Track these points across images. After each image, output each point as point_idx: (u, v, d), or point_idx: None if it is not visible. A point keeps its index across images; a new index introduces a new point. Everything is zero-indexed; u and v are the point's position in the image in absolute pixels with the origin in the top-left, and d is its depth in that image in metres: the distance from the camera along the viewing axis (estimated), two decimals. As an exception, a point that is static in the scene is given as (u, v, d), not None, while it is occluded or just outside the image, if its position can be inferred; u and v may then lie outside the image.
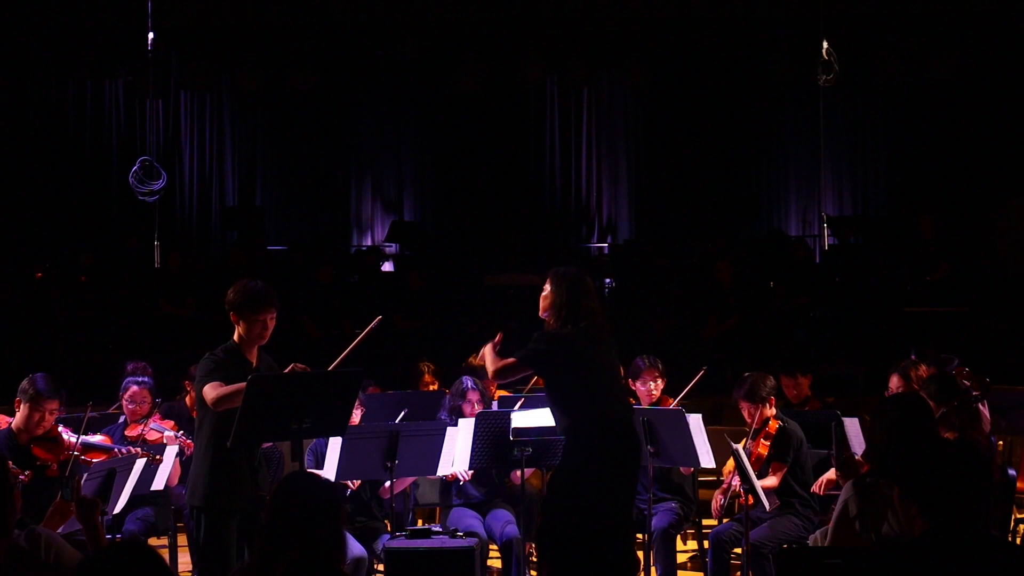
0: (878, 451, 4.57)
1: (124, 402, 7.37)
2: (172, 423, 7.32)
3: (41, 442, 6.28)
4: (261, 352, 5.74)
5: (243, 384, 5.28)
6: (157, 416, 7.31)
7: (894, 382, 6.71)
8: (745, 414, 6.91)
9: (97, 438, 6.72)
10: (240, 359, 5.61)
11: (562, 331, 5.82)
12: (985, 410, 6.23)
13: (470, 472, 6.95)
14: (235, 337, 5.65)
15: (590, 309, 5.84)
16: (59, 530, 4.56)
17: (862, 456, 5.51)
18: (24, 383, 6.29)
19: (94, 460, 6.37)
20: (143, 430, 7.12)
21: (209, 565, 5.56)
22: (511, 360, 5.85)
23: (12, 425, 6.31)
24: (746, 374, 7.01)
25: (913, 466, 3.57)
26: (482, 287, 12.82)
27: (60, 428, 6.40)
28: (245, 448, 5.49)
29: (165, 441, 6.98)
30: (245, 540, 5.55)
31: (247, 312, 5.59)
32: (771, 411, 6.84)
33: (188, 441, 6.99)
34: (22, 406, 6.26)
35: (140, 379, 7.45)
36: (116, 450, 6.53)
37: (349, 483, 6.72)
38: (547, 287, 5.92)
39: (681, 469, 7.13)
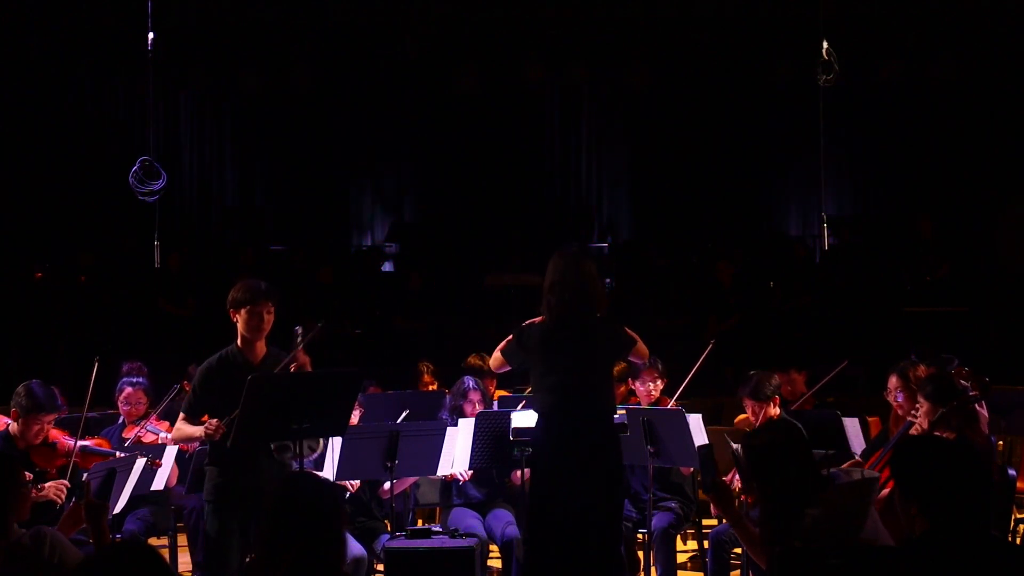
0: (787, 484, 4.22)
1: (120, 403, 7.37)
2: (168, 424, 7.31)
3: (39, 448, 6.26)
4: (269, 346, 5.77)
5: (199, 429, 5.57)
6: (153, 417, 7.31)
7: (893, 382, 6.72)
8: (749, 412, 6.92)
9: (95, 443, 6.68)
10: (239, 361, 5.64)
11: (527, 327, 5.92)
12: (983, 410, 6.23)
13: (469, 472, 6.96)
14: (238, 341, 5.71)
15: (578, 292, 5.81)
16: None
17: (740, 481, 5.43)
18: (20, 393, 6.21)
19: (92, 465, 6.35)
20: (139, 432, 7.11)
21: (209, 558, 5.62)
22: (498, 358, 6.09)
23: (10, 429, 6.28)
24: (751, 372, 7.03)
25: (913, 466, 3.57)
26: (482, 287, 12.82)
27: (58, 432, 6.38)
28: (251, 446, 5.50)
29: (161, 442, 6.98)
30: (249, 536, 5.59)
31: (242, 305, 5.65)
32: (775, 410, 6.85)
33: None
34: (19, 419, 6.20)
35: (135, 380, 7.44)
36: (114, 455, 6.52)
37: (348, 485, 6.72)
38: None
39: (681, 469, 7.13)
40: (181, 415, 5.75)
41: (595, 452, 5.73)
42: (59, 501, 5.71)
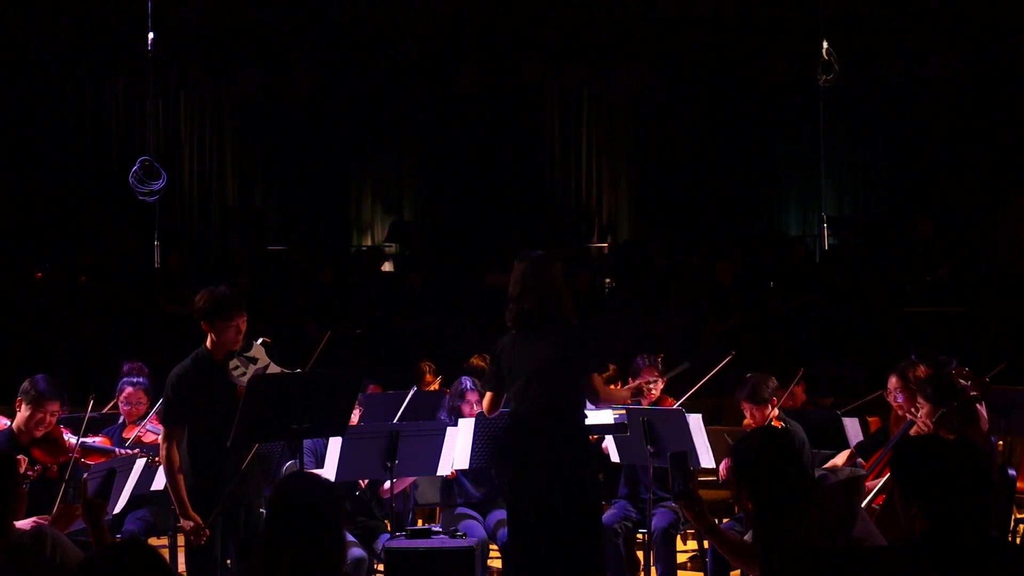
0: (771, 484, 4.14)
1: (120, 403, 7.38)
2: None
3: (42, 444, 6.27)
4: (254, 351, 5.71)
5: (183, 491, 5.40)
6: (153, 417, 7.31)
7: (892, 383, 6.70)
8: (747, 415, 6.90)
9: (97, 440, 6.69)
10: (213, 361, 5.57)
11: (498, 341, 5.91)
12: (983, 410, 6.23)
13: (453, 471, 6.95)
14: (207, 344, 5.61)
15: (540, 300, 5.74)
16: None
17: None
18: (26, 384, 6.27)
19: (94, 462, 6.36)
20: (139, 431, 7.12)
21: (192, 561, 5.61)
22: (488, 394, 6.00)
23: (13, 426, 6.30)
24: (748, 375, 7.00)
25: (913, 466, 3.57)
26: (482, 287, 12.82)
27: (61, 429, 6.40)
28: (219, 451, 5.45)
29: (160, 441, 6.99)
30: (231, 540, 5.58)
31: (218, 319, 5.56)
32: (774, 412, 6.83)
33: None
34: (23, 407, 6.25)
35: (135, 380, 7.45)
36: (115, 452, 6.53)
37: (360, 482, 6.72)
38: None
39: (682, 469, 7.11)
40: (164, 429, 5.60)
41: (555, 456, 5.70)
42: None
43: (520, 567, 5.80)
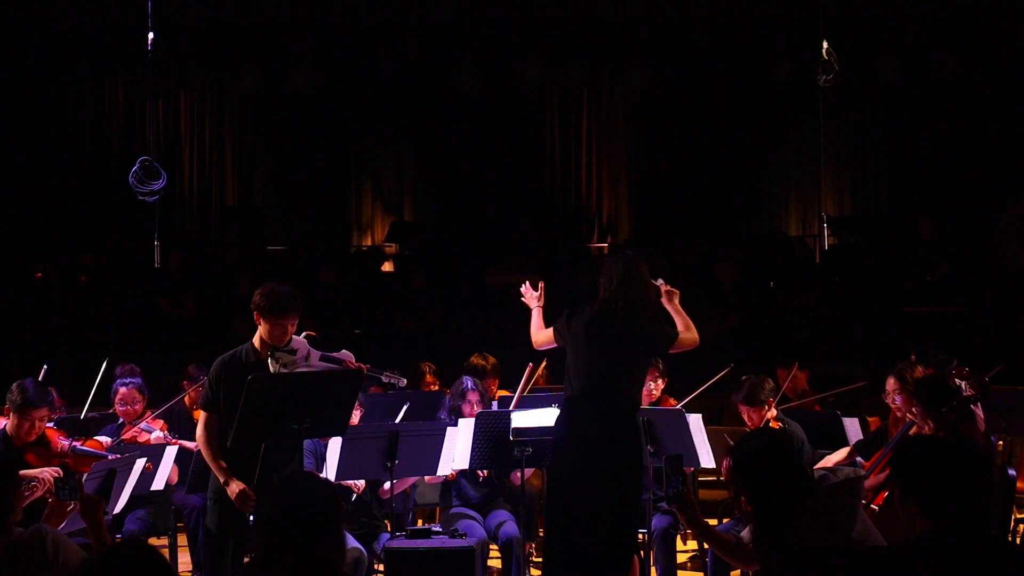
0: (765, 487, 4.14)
1: (116, 404, 7.38)
2: (162, 423, 7.32)
3: (34, 447, 6.25)
4: (294, 343, 5.72)
5: (224, 476, 5.49)
6: (149, 415, 7.31)
7: (890, 384, 6.69)
8: (745, 417, 6.90)
9: (87, 444, 6.64)
10: (251, 359, 5.62)
11: (577, 307, 6.01)
12: (979, 411, 6.22)
13: (453, 472, 6.96)
14: (256, 336, 5.67)
15: (618, 290, 5.90)
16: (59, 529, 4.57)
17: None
18: (12, 391, 6.23)
19: (85, 469, 6.32)
20: (134, 432, 7.11)
21: (208, 553, 5.67)
22: (548, 329, 6.12)
23: (6, 429, 6.29)
24: (743, 377, 7.00)
25: (913, 466, 3.57)
26: (483, 287, 12.82)
27: (53, 431, 6.37)
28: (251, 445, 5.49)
29: (154, 441, 6.99)
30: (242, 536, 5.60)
31: (268, 315, 5.61)
32: (771, 412, 6.83)
33: (177, 441, 7.01)
34: (10, 415, 6.23)
35: (128, 380, 7.45)
36: (106, 457, 6.48)
37: (354, 487, 6.72)
38: None
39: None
40: (202, 412, 5.70)
41: (614, 444, 5.75)
42: (46, 485, 5.70)
43: (559, 555, 5.82)
